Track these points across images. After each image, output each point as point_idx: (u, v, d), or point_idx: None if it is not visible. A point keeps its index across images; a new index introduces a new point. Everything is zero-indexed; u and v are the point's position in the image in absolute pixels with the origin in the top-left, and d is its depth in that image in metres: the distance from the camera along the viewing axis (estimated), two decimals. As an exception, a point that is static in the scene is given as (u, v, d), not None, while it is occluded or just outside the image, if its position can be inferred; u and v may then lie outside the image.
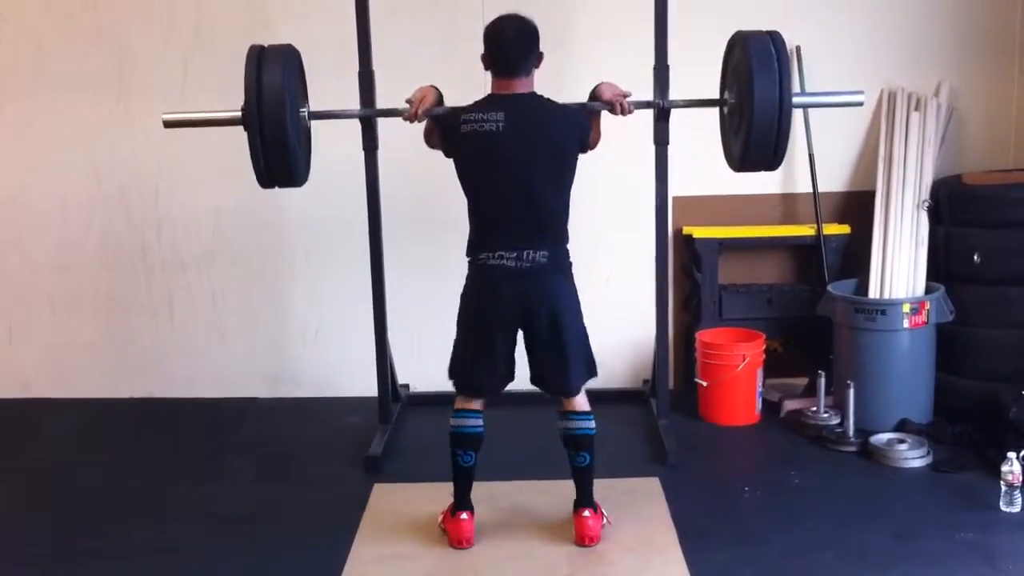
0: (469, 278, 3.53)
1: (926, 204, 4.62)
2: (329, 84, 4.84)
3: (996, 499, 3.71)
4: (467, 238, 3.52)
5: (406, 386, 5.05)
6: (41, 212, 5.16)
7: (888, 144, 4.76)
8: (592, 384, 3.63)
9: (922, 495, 3.90)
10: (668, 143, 4.26)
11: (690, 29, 4.57)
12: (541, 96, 3.50)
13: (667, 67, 4.19)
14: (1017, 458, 3.67)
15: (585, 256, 4.88)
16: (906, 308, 4.36)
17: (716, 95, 3.86)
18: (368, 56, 4.32)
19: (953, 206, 4.53)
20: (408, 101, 3.61)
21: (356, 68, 4.31)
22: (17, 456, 4.62)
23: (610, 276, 5.03)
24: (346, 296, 4.98)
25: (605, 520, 3.59)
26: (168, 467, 4.41)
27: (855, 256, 4.87)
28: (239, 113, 3.38)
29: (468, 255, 3.51)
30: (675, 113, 4.20)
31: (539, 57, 3.49)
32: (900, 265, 4.59)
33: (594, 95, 3.67)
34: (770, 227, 4.98)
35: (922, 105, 4.75)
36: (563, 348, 3.47)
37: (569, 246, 3.53)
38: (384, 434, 4.47)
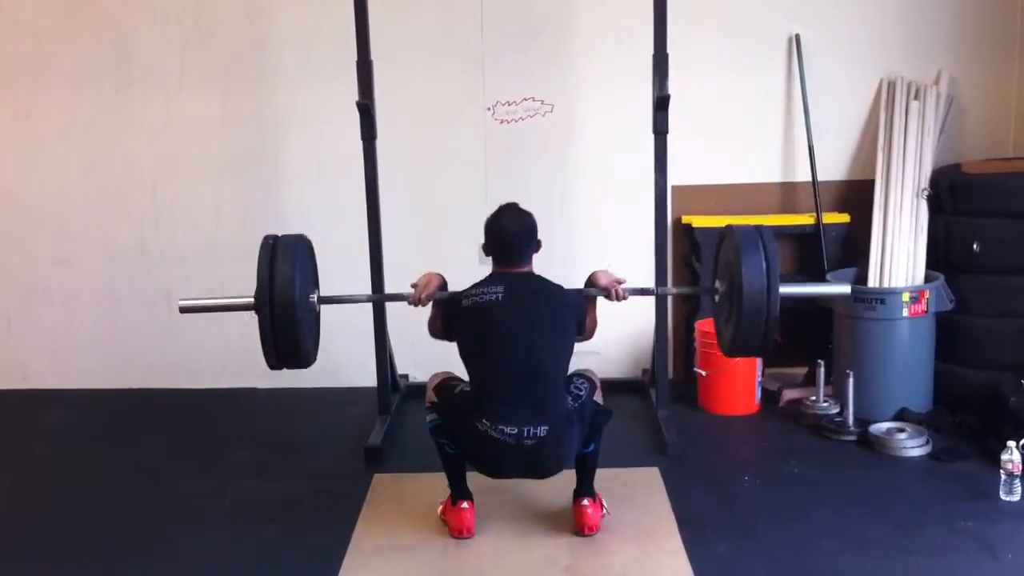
0: (467, 428, 3.42)
1: (926, 193, 4.61)
2: (326, 76, 4.85)
3: (996, 488, 3.70)
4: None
5: (405, 376, 5.05)
6: (39, 204, 5.16)
7: (888, 133, 4.75)
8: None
9: (922, 484, 3.90)
10: (667, 132, 4.25)
11: (689, 19, 4.55)
12: (540, 276, 3.58)
13: (666, 56, 4.18)
14: (1017, 447, 3.67)
15: (585, 246, 4.93)
16: (905, 297, 4.35)
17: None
18: (366, 46, 4.30)
19: (953, 195, 4.52)
20: (413, 286, 3.67)
21: (354, 56, 4.29)
22: (16, 448, 4.63)
23: (609, 265, 5.01)
24: (345, 286, 4.97)
25: (605, 510, 3.60)
26: (167, 458, 4.41)
27: (855, 245, 4.87)
28: (252, 299, 3.42)
29: (472, 407, 3.44)
30: (674, 102, 4.19)
31: (538, 245, 3.59)
32: (900, 254, 4.58)
33: (590, 282, 3.71)
34: (770, 216, 4.96)
35: (922, 94, 4.74)
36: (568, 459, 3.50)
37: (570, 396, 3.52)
38: (384, 424, 4.47)
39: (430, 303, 3.66)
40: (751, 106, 4.91)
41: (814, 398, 4.55)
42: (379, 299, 4.42)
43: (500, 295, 3.45)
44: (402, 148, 4.76)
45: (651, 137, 4.26)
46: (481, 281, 3.54)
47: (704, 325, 4.77)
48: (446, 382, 3.62)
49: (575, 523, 3.53)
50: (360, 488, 3.95)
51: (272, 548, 3.55)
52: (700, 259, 4.91)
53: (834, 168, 4.98)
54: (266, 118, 4.98)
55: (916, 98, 4.74)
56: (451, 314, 3.57)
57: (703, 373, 4.69)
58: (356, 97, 4.28)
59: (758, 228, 3.47)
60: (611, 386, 4.77)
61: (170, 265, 5.14)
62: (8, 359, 5.28)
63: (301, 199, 5.00)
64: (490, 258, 3.60)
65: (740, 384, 4.64)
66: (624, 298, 3.69)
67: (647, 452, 4.25)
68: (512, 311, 3.43)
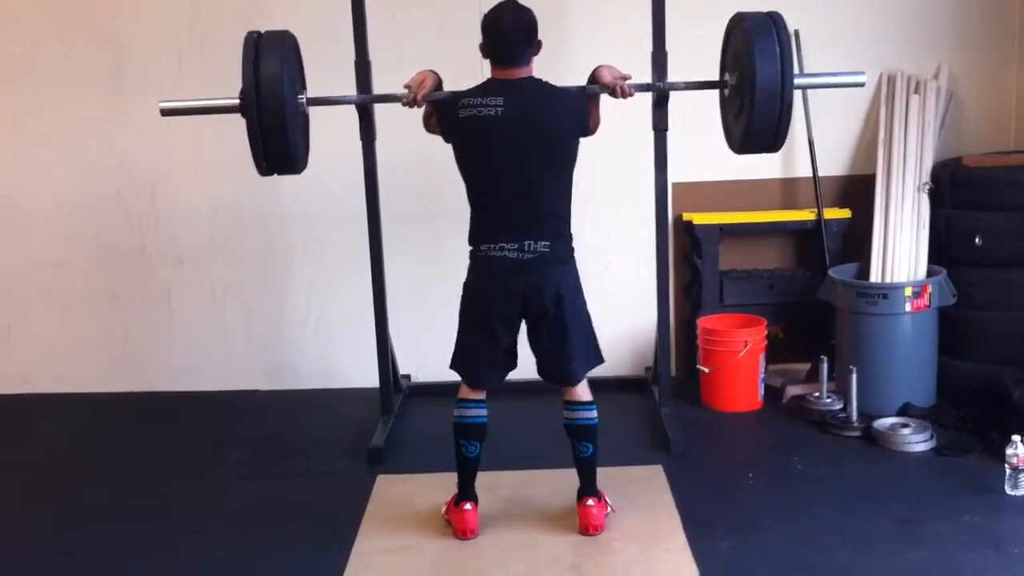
0: (470, 269, 3.51)
1: (927, 187, 4.60)
2: (325, 74, 4.82)
3: (1000, 483, 3.69)
4: (468, 227, 3.49)
5: (407, 377, 5.05)
6: (37, 208, 5.14)
7: (888, 127, 4.75)
8: (593, 372, 3.62)
9: (926, 479, 3.89)
10: (667, 129, 4.24)
11: (687, 11, 4.54)
12: (540, 80, 3.48)
13: (665, 53, 4.17)
14: (1021, 441, 3.66)
15: (585, 244, 4.88)
16: (908, 292, 4.34)
17: (715, 78, 3.85)
18: (364, 45, 4.30)
19: (954, 189, 4.51)
20: (407, 86, 3.59)
21: (352, 56, 4.29)
22: (17, 452, 4.61)
23: (609, 263, 5.02)
24: (346, 287, 4.97)
25: (609, 509, 3.59)
26: (169, 461, 4.40)
27: (856, 240, 4.86)
28: (237, 100, 3.36)
29: (470, 245, 3.49)
30: (674, 99, 4.18)
31: (538, 46, 3.47)
32: (901, 249, 4.57)
33: (593, 78, 3.64)
34: (770, 212, 4.96)
35: (922, 88, 4.73)
36: (566, 337, 3.46)
37: (572, 234, 3.51)
38: (386, 425, 4.46)
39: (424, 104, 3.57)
40: (751, 102, 4.89)
41: (817, 394, 4.54)
42: (368, 100, 4.20)
43: (499, 109, 3.34)
44: (401, 149, 4.75)
45: (651, 134, 4.25)
46: (479, 87, 3.44)
47: (706, 322, 4.77)
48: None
49: (579, 523, 3.52)
50: (363, 489, 3.94)
51: (275, 549, 3.54)
52: (701, 255, 4.90)
53: (835, 163, 4.97)
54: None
55: (916, 92, 4.73)
56: (447, 120, 3.48)
57: (705, 370, 4.68)
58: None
59: (770, 14, 3.38)
60: (613, 384, 4.81)
61: (169, 266, 5.13)
62: (8, 363, 5.27)
63: (300, 200, 4.98)
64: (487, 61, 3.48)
65: (743, 381, 4.64)
66: (630, 94, 3.61)
67: (650, 450, 4.25)
68: (510, 129, 3.33)
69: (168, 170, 5.07)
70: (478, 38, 3.48)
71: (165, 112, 3.56)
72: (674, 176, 4.51)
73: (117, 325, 5.21)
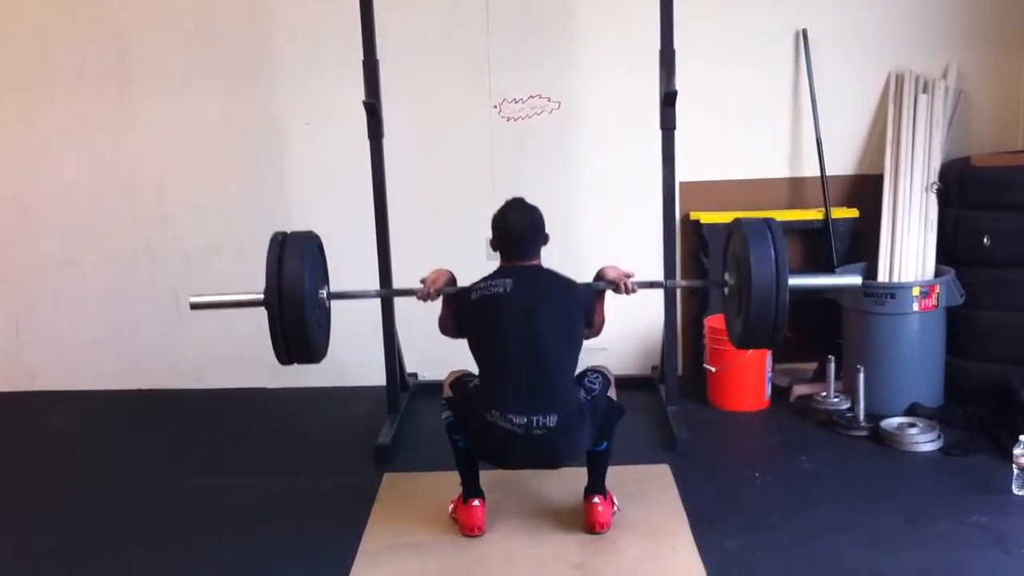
0: (477, 418, 3.43)
1: (935, 187, 4.59)
2: (331, 74, 4.85)
3: (1008, 482, 3.69)
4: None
5: (414, 375, 5.05)
6: (45, 206, 5.16)
7: (896, 127, 4.74)
8: (600, 371, 3.63)
9: (933, 479, 3.89)
10: (675, 128, 4.24)
11: (696, 14, 4.54)
12: (549, 269, 3.57)
13: (673, 52, 4.17)
14: (1029, 441, 3.66)
15: (592, 243, 4.91)
16: (916, 292, 4.34)
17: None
18: (372, 45, 4.30)
19: (962, 188, 4.50)
20: (422, 281, 3.68)
21: (359, 54, 4.29)
22: (25, 449, 4.63)
23: (618, 261, 5.01)
24: (353, 284, 4.96)
25: (615, 507, 3.59)
26: (177, 458, 4.41)
27: (864, 240, 4.85)
28: (261, 295, 3.41)
29: (482, 398, 3.46)
30: (681, 98, 4.18)
31: (545, 239, 3.58)
32: (909, 248, 4.56)
33: (599, 276, 3.69)
34: (778, 211, 4.94)
35: (930, 87, 4.72)
36: (582, 454, 3.50)
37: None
38: (393, 423, 4.46)
39: (439, 298, 3.65)
40: (759, 101, 4.89)
41: (824, 393, 4.54)
42: (388, 294, 4.42)
43: (507, 287, 3.44)
44: (409, 146, 4.76)
45: (658, 133, 4.25)
46: (489, 274, 3.54)
47: (713, 321, 4.76)
48: (461, 378, 3.63)
49: (586, 521, 3.52)
50: (370, 487, 3.94)
51: (283, 547, 3.54)
52: (708, 255, 4.90)
53: (842, 163, 4.96)
54: (271, 117, 4.98)
55: (924, 92, 4.72)
56: (460, 308, 3.57)
57: (712, 369, 4.68)
58: (362, 95, 4.28)
59: (766, 221, 3.46)
60: (621, 382, 4.74)
61: (177, 264, 5.14)
62: (17, 361, 5.29)
63: (307, 198, 4.99)
64: (498, 253, 3.58)
65: (750, 380, 4.63)
66: (633, 291, 3.68)
67: (657, 448, 4.25)
68: (518, 303, 3.42)
69: (176, 169, 5.08)
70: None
71: (195, 307, 3.63)
72: (682, 175, 4.51)
73: (125, 323, 5.22)
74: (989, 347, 4.46)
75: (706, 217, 4.90)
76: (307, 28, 4.91)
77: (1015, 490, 3.67)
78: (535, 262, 3.56)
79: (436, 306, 4.84)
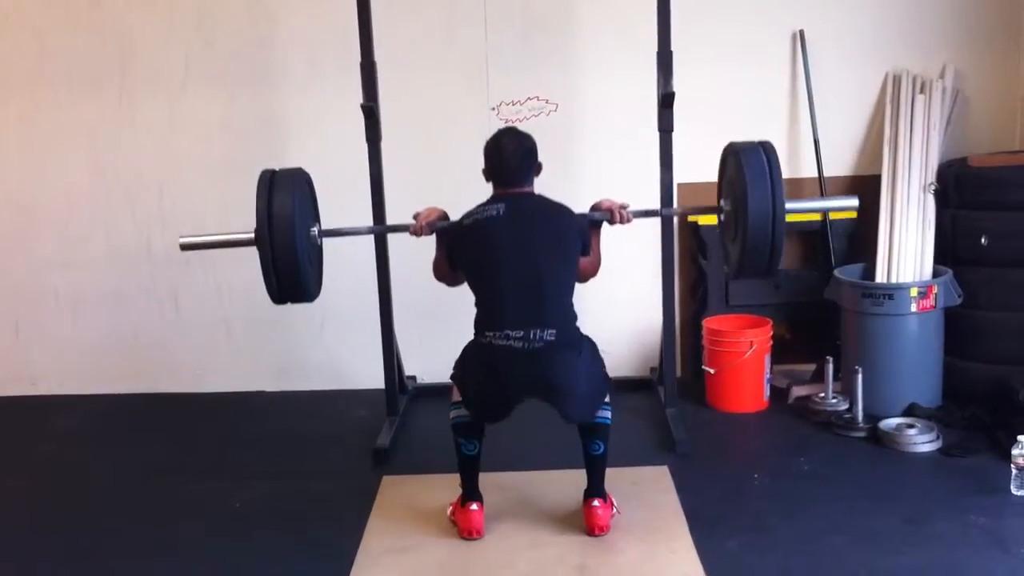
0: (473, 350, 3.49)
1: (933, 187, 4.60)
2: (330, 77, 4.86)
3: (1007, 483, 3.69)
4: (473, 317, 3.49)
5: (413, 378, 5.05)
6: (45, 209, 5.16)
7: (894, 127, 4.74)
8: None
9: (932, 479, 3.89)
10: (672, 130, 4.25)
11: (693, 15, 4.54)
12: (542, 195, 3.55)
13: (670, 53, 4.18)
14: (1027, 441, 3.66)
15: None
16: (914, 292, 4.34)
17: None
18: (370, 47, 4.30)
19: (960, 189, 4.51)
20: (415, 216, 3.66)
21: (357, 57, 4.29)
22: (26, 453, 4.63)
23: (615, 264, 5.00)
24: (352, 288, 4.97)
25: (615, 510, 3.59)
26: (176, 462, 4.41)
27: (862, 240, 4.85)
28: (252, 234, 3.41)
29: (475, 332, 3.48)
30: (679, 99, 4.18)
31: (539, 168, 3.55)
32: (907, 249, 4.57)
33: (594, 208, 3.68)
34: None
35: (927, 88, 4.73)
36: (571, 410, 3.46)
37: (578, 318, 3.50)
38: (392, 426, 4.47)
39: (432, 235, 3.63)
40: (756, 102, 4.89)
41: (823, 395, 4.54)
42: (381, 230, 4.35)
43: (501, 211, 3.41)
44: (407, 149, 4.76)
45: (656, 134, 4.26)
46: (482, 203, 3.51)
47: (712, 323, 4.77)
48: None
49: (585, 524, 3.52)
50: (369, 490, 3.95)
51: (282, 550, 3.54)
52: (706, 256, 4.90)
53: (840, 163, 4.96)
54: (270, 119, 4.98)
55: (922, 92, 4.72)
56: (454, 239, 3.53)
57: (711, 371, 4.68)
58: (360, 97, 4.29)
59: (761, 143, 3.44)
60: (619, 384, 4.79)
61: (176, 266, 5.13)
62: (17, 365, 5.29)
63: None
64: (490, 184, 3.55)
65: (748, 381, 4.64)
66: (628, 221, 3.66)
67: (656, 450, 4.25)
68: (513, 224, 3.39)
69: (175, 170, 5.08)
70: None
71: (184, 247, 3.66)
72: (679, 176, 4.52)
73: (125, 326, 5.22)
74: (987, 347, 4.46)
75: (704, 219, 4.90)
76: (307, 30, 4.91)
77: (1014, 490, 3.67)
78: (528, 189, 3.52)
79: (435, 306, 4.88)
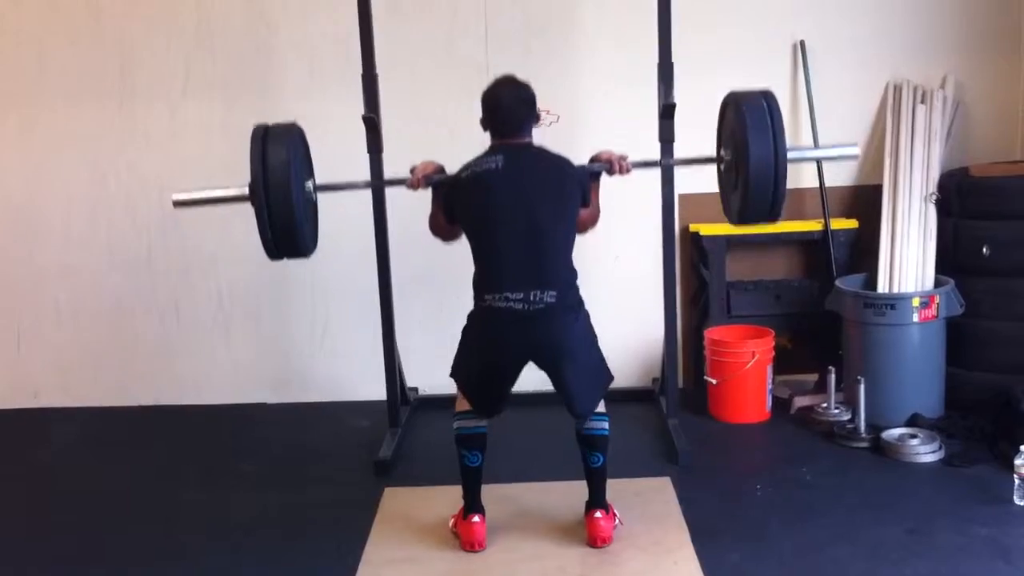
0: (474, 318, 3.49)
1: (934, 197, 4.60)
2: (331, 85, 4.86)
3: (1010, 493, 3.68)
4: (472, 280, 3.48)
5: (415, 389, 5.04)
6: (46, 218, 5.16)
7: (894, 137, 4.75)
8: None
9: (935, 490, 3.88)
10: (673, 140, 4.25)
11: (694, 26, 4.55)
12: (541, 146, 3.52)
13: (671, 64, 4.19)
14: (1030, 451, 3.65)
15: (592, 255, 4.90)
16: (916, 302, 4.34)
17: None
18: (371, 58, 4.31)
19: (961, 198, 4.51)
20: (411, 170, 3.63)
21: (358, 66, 4.30)
22: (26, 465, 4.62)
23: (616, 274, 5.01)
24: (353, 299, 4.97)
25: (617, 521, 3.58)
26: (177, 474, 4.41)
27: (863, 250, 4.85)
28: (246, 190, 3.41)
29: (474, 296, 3.46)
30: (680, 109, 4.19)
31: (537, 117, 3.53)
32: (909, 259, 4.56)
33: (593, 159, 3.67)
34: (778, 223, 4.94)
35: (928, 98, 4.73)
36: (574, 382, 3.44)
37: (579, 284, 3.49)
38: (394, 438, 4.46)
39: (429, 189, 3.60)
40: (757, 113, 4.89)
41: (825, 405, 4.53)
42: (378, 184, 4.29)
43: (499, 164, 3.37)
44: (408, 160, 4.75)
45: (657, 145, 4.26)
46: (479, 155, 3.47)
47: (713, 333, 4.76)
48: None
49: (587, 535, 3.51)
50: (371, 501, 3.94)
51: (283, 562, 3.54)
52: (708, 266, 4.90)
53: (841, 173, 4.96)
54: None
55: (923, 102, 4.73)
56: (451, 192, 3.49)
57: (713, 381, 4.67)
58: (361, 107, 4.29)
59: (762, 92, 3.42)
60: (621, 395, 4.79)
61: (177, 276, 5.14)
62: (18, 377, 5.28)
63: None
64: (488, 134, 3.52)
65: (751, 392, 4.63)
66: (628, 171, 3.64)
67: (658, 461, 4.24)
68: (511, 179, 3.36)
69: (176, 178, 5.07)
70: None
71: (178, 204, 3.63)
72: (681, 187, 4.53)
73: (126, 335, 5.22)
74: (989, 357, 4.45)
75: (705, 229, 4.91)
76: (307, 40, 4.92)
77: (1017, 500, 3.66)
78: (527, 140, 3.49)
79: (437, 317, 4.88)
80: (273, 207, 3.33)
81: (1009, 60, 4.89)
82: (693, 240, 4.96)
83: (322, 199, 4.63)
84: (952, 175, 4.63)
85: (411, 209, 4.81)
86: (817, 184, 4.88)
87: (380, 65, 4.34)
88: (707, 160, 3.84)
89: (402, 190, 4.59)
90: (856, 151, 3.79)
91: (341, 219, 4.92)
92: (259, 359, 5.23)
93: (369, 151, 4.34)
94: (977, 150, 4.88)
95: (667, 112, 4.18)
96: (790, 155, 3.31)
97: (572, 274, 3.44)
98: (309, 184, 3.57)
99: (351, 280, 4.95)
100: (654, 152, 4.27)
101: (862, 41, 4.87)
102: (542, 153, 3.49)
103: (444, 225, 3.58)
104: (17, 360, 5.28)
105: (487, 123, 3.49)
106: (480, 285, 3.42)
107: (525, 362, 3.43)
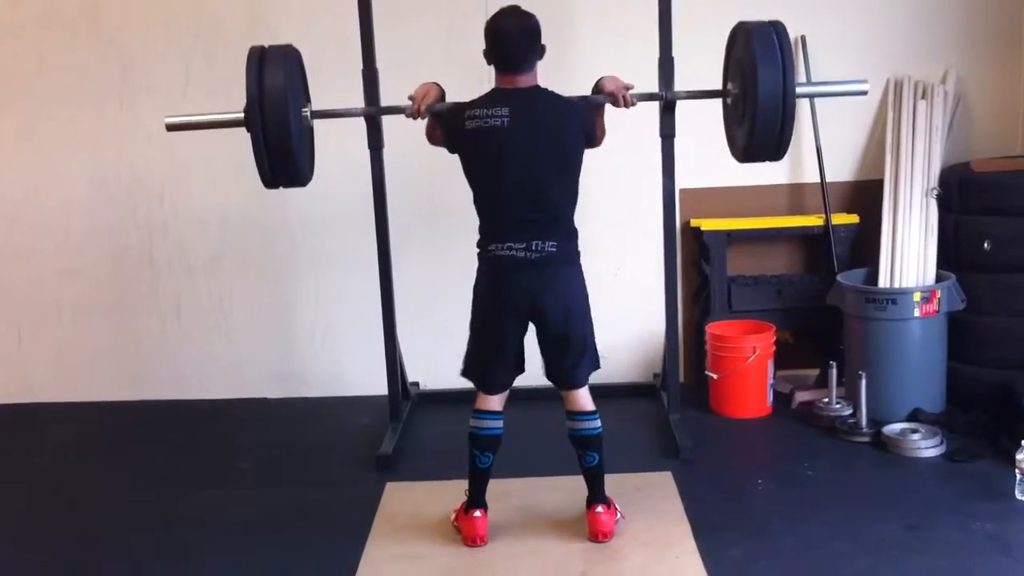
0: (479, 271, 3.52)
1: (935, 192, 4.59)
2: (332, 85, 4.84)
3: (1011, 488, 3.68)
4: (475, 234, 3.50)
5: (416, 384, 5.04)
6: (47, 218, 5.15)
7: (896, 133, 4.74)
8: (602, 378, 3.62)
9: (936, 485, 3.88)
10: (674, 135, 4.25)
11: (694, 19, 4.54)
12: (545, 90, 3.49)
13: (671, 59, 4.18)
14: (1032, 446, 3.65)
15: (594, 250, 4.88)
16: (917, 297, 4.34)
17: (719, 86, 3.85)
18: (372, 55, 4.31)
19: (962, 193, 4.50)
20: (410, 98, 3.61)
21: (359, 68, 4.29)
22: (25, 461, 4.62)
23: (618, 270, 5.02)
24: (354, 294, 4.97)
25: (619, 516, 3.58)
26: (177, 469, 4.41)
27: (864, 245, 4.85)
28: (242, 114, 3.37)
29: (478, 247, 3.50)
30: (681, 105, 4.19)
31: (542, 50, 3.47)
32: (910, 254, 4.56)
33: (596, 88, 3.66)
34: (778, 218, 4.96)
35: (929, 93, 4.73)
36: (572, 340, 3.46)
37: (579, 237, 3.51)
38: (395, 433, 4.46)
39: (428, 115, 3.59)
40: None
41: (826, 400, 4.53)
42: (375, 112, 4.24)
43: (505, 120, 3.35)
44: (409, 156, 4.75)
45: (658, 140, 4.26)
46: (484, 98, 3.45)
47: (715, 328, 4.76)
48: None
49: (589, 530, 3.52)
50: (372, 496, 3.94)
51: (285, 557, 3.54)
52: (709, 261, 4.90)
53: (842, 169, 4.97)
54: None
55: (923, 97, 4.72)
56: (453, 132, 3.49)
57: (714, 376, 4.67)
58: (361, 103, 4.28)
59: (772, 23, 3.39)
60: (622, 390, 4.82)
61: (178, 274, 5.14)
62: (19, 375, 5.28)
63: (308, 208, 4.98)
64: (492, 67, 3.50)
65: (752, 387, 4.63)
66: (632, 103, 3.63)
67: (660, 456, 4.24)
68: (517, 140, 3.35)
69: (176, 179, 5.08)
70: (483, 45, 3.48)
71: (171, 127, 3.59)
72: (682, 182, 4.52)
73: (126, 333, 5.22)
74: (991, 352, 4.45)
75: (706, 224, 4.91)
76: (308, 39, 4.89)
77: (1018, 495, 3.66)
78: (531, 80, 3.45)
79: (438, 312, 4.88)
80: (269, 130, 3.29)
81: (1010, 55, 4.89)
82: (694, 235, 4.96)
83: (323, 195, 4.65)
84: (953, 170, 4.63)
85: (411, 204, 4.85)
86: (818, 179, 4.88)
87: (380, 65, 4.33)
88: (712, 93, 3.81)
89: (404, 195, 4.62)
90: (866, 87, 3.74)
91: (341, 218, 4.95)
92: (260, 354, 5.23)
93: (370, 147, 4.34)
94: (978, 145, 4.87)
95: (668, 107, 4.18)
96: (799, 90, 3.27)
97: (573, 232, 3.47)
98: (306, 110, 3.53)
99: (352, 274, 4.95)
100: (655, 147, 4.27)
101: (863, 36, 4.86)
102: (548, 101, 3.46)
103: (440, 139, 3.58)
104: (17, 356, 5.28)
105: (490, 56, 3.46)
106: (484, 237, 3.46)
107: (527, 310, 3.42)
